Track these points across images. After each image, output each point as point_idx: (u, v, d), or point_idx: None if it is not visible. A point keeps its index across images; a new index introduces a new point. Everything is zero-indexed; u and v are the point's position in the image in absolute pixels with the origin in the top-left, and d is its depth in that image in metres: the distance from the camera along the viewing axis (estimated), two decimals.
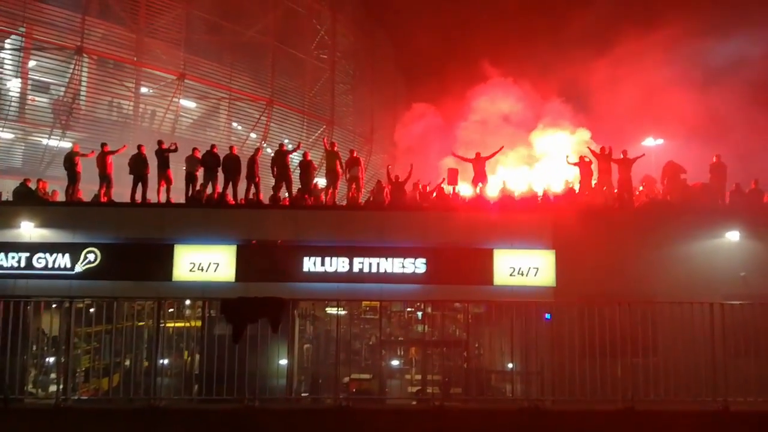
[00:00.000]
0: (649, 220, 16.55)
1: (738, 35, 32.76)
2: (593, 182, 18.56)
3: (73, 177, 17.24)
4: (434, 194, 20.16)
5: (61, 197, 17.97)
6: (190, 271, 15.55)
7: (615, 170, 18.07)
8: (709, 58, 32.17)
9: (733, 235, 15.82)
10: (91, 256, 15.62)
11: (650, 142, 32.21)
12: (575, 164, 19.11)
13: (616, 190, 18.10)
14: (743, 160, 21.03)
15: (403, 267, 15.79)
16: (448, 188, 20.85)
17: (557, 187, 20.13)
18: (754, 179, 18.02)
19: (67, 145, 22.09)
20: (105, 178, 17.07)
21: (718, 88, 29.97)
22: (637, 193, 19.47)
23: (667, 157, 21.28)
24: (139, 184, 17.06)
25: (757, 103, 29.27)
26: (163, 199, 17.24)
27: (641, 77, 31.41)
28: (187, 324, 13.88)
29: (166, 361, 12.40)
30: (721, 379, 9.36)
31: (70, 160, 17.37)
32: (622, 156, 18.00)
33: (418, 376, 16.02)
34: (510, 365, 10.68)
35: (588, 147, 19.49)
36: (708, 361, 9.44)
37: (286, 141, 27.30)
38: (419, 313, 17.56)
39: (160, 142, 17.85)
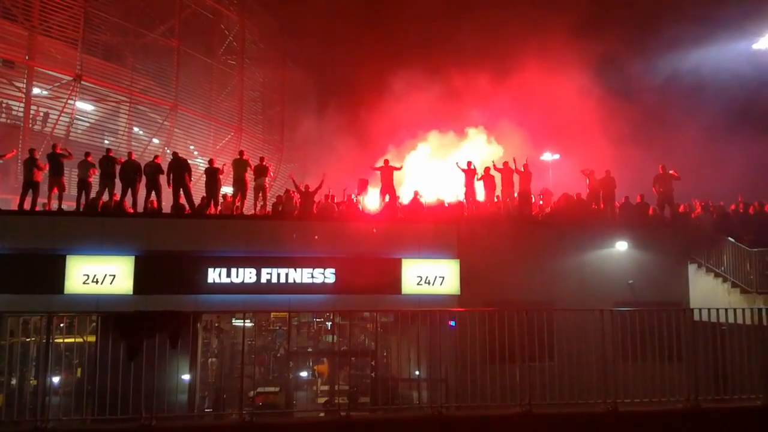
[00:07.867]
0: (546, 231, 17.38)
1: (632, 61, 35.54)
2: (496, 194, 19.25)
3: None
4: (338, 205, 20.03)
5: None
6: (84, 283, 14.75)
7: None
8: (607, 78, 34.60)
9: (621, 245, 16.93)
10: None
11: (548, 156, 34.02)
12: (480, 178, 19.53)
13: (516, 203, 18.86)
14: (631, 175, 22.53)
15: (312, 277, 15.69)
16: (358, 198, 20.89)
17: (462, 197, 20.67)
18: (640, 194, 19.35)
19: None
20: None
21: (613, 107, 32.25)
22: (540, 202, 20.41)
23: (563, 170, 22.41)
24: (29, 191, 16.01)
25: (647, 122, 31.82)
26: (54, 206, 16.22)
27: (540, 96, 33.10)
28: (80, 339, 13.07)
29: (56, 380, 11.61)
30: (611, 382, 9.95)
31: None
32: (522, 168, 18.87)
33: (326, 387, 15.96)
34: (417, 373, 10.83)
35: (492, 162, 20.18)
36: (599, 365, 10.02)
37: (192, 147, 26.48)
38: (328, 324, 17.51)
39: (54, 146, 16.86)
